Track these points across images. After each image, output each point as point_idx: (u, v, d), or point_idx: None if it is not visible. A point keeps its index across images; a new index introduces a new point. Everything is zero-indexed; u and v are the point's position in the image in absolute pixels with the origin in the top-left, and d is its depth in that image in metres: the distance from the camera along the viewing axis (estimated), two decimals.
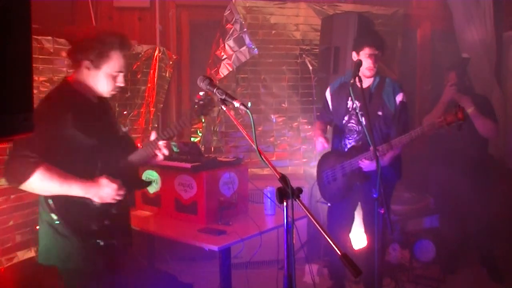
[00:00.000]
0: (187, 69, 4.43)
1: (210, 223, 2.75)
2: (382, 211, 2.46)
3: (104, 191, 2.00)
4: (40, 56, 3.37)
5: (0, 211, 3.14)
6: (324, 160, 3.29)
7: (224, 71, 4.04)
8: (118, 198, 2.05)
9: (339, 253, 1.36)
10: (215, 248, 2.43)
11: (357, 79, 2.55)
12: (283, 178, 1.49)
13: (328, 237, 1.39)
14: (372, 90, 3.05)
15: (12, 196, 3.22)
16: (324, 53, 3.92)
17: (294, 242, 1.51)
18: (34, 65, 1.30)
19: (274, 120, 4.43)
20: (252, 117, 1.65)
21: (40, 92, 3.38)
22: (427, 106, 4.64)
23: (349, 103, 3.12)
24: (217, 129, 4.29)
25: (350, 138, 3.13)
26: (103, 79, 2.07)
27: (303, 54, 4.38)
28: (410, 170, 3.14)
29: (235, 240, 2.53)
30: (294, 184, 1.49)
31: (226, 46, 4.01)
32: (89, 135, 2.02)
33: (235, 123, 1.78)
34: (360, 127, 3.07)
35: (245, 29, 3.99)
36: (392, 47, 4.50)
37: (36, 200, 3.42)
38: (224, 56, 4.03)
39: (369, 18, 3.89)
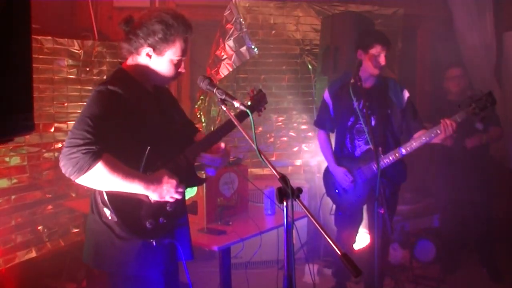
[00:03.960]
0: (187, 69, 4.41)
1: (210, 223, 2.76)
2: (382, 211, 2.46)
3: (163, 188, 1.80)
4: (40, 56, 3.37)
5: (1, 211, 3.14)
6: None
7: (224, 71, 4.04)
8: (177, 196, 1.85)
9: (339, 253, 1.36)
10: (215, 248, 2.44)
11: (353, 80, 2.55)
12: (283, 178, 1.49)
13: (328, 237, 1.39)
14: (376, 90, 3.02)
15: (13, 197, 3.22)
16: (324, 53, 3.92)
17: (294, 242, 1.51)
18: (34, 65, 1.30)
19: (274, 120, 4.43)
20: (252, 117, 1.64)
21: (40, 92, 3.39)
22: (427, 106, 4.65)
23: (355, 103, 3.03)
24: None
25: (360, 139, 3.04)
26: (165, 66, 1.89)
27: (303, 54, 4.38)
28: (410, 170, 3.13)
29: (235, 240, 2.53)
30: (294, 184, 1.49)
31: (226, 46, 4.00)
32: (143, 125, 1.84)
33: (235, 123, 1.78)
34: (368, 127, 3.04)
35: (245, 29, 3.99)
36: (392, 47, 4.49)
37: (36, 201, 3.44)
38: (224, 56, 4.03)
39: (369, 18, 3.88)
